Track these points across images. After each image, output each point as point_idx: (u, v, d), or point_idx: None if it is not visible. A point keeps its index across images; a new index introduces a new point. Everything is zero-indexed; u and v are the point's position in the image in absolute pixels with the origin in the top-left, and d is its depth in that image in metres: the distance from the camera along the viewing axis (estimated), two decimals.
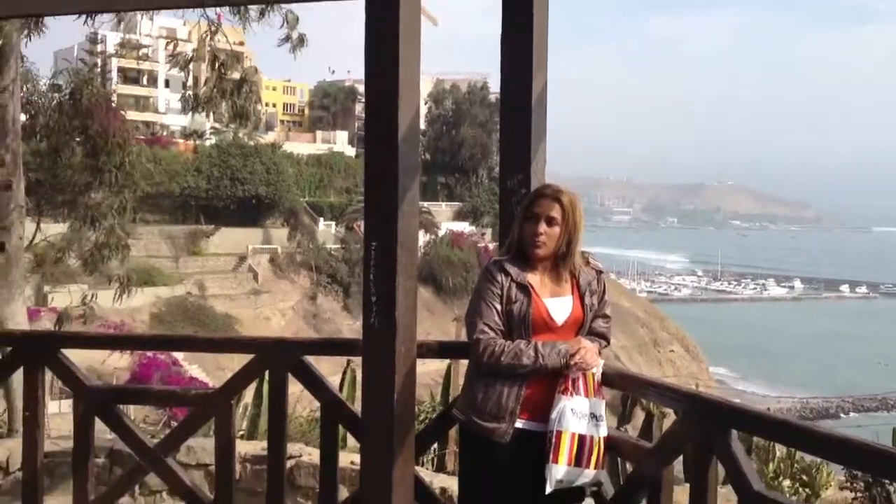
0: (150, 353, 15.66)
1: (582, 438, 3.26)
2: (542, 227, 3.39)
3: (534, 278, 3.43)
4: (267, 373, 4.27)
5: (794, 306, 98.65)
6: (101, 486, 4.54)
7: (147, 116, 64.18)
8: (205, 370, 29.62)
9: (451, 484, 4.88)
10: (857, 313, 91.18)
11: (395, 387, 3.48)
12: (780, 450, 7.51)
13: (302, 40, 9.79)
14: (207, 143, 56.36)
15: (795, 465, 7.31)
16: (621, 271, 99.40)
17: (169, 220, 51.89)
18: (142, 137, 40.53)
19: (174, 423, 8.17)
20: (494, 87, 76.40)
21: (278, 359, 4.18)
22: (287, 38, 9.71)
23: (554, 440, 3.24)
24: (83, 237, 10.09)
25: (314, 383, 4.21)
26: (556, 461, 3.23)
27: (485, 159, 71.46)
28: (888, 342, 68.32)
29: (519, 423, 3.33)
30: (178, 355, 20.73)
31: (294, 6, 9.58)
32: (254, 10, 9.15)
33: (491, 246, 61.31)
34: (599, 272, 3.58)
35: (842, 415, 52.07)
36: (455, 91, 72.74)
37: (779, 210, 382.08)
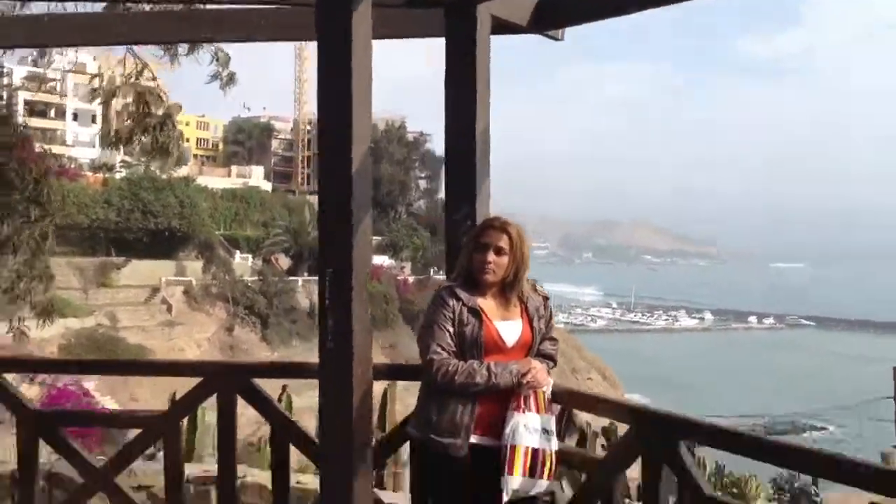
0: (59, 385, 15.23)
1: (535, 451, 3.44)
2: (491, 257, 3.60)
3: (484, 303, 3.63)
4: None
5: (705, 336, 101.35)
6: None
7: (55, 149, 62.54)
8: (118, 401, 28.84)
9: (398, 499, 4.97)
10: (766, 343, 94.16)
11: (352, 408, 3.58)
12: (709, 464, 7.83)
13: (232, 78, 9.81)
14: (118, 175, 55.26)
15: (726, 478, 7.64)
16: None
17: (77, 252, 50.43)
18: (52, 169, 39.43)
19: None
20: (412, 126, 77.49)
21: (227, 381, 4.22)
22: (216, 76, 9.72)
23: (508, 453, 3.42)
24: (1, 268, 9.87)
25: (264, 404, 4.28)
26: (511, 473, 3.41)
27: (403, 195, 72.11)
28: (796, 369, 70.91)
29: (473, 439, 3.50)
30: (89, 385, 20.21)
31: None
32: (183, 47, 9.17)
33: (410, 279, 61.54)
34: (546, 298, 3.82)
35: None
36: (373, 130, 72.95)
37: (686, 247, 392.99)
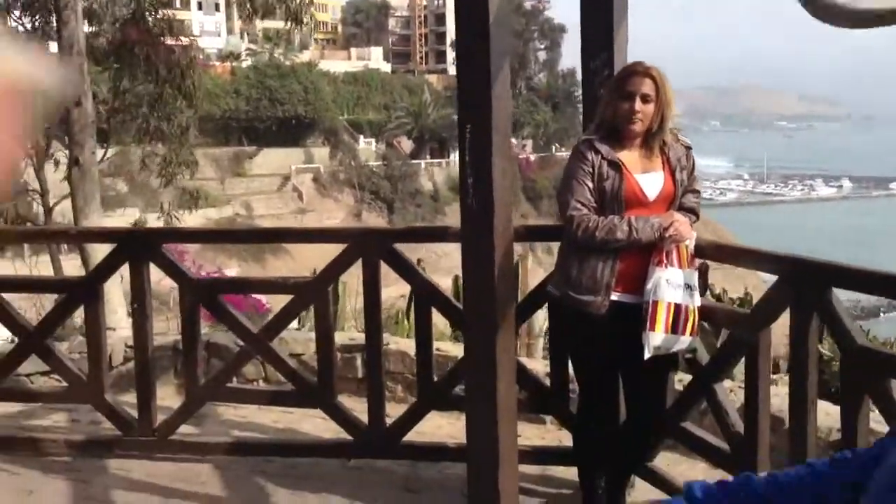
0: (203, 273, 16.12)
1: (678, 307, 3.38)
2: (638, 105, 3.43)
3: (624, 155, 3.50)
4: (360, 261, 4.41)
5: (843, 205, 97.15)
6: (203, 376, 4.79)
7: (183, 40, 63.99)
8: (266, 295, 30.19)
9: (535, 365, 5.06)
10: None
11: (495, 265, 3.59)
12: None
13: None
14: (244, 64, 56.28)
15: (871, 341, 7.41)
16: None
17: (212, 143, 52.20)
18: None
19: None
20: None
21: (370, 246, 4.33)
22: None
23: (650, 309, 3.37)
24: (151, 154, 10.39)
25: (406, 270, 4.36)
26: (653, 329, 3.37)
27: (522, 69, 70.23)
28: None
29: (614, 296, 3.45)
30: (230, 273, 21.09)
31: None
32: None
33: (532, 157, 60.96)
34: (689, 148, 3.66)
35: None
36: None
37: (824, 109, 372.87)
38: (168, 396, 5.13)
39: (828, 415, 3.97)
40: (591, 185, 3.47)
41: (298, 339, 5.59)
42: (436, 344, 5.67)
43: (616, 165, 3.47)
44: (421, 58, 79.84)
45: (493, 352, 3.62)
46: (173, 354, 5.46)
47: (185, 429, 4.61)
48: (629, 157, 3.51)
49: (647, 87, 3.44)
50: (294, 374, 4.46)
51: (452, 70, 77.55)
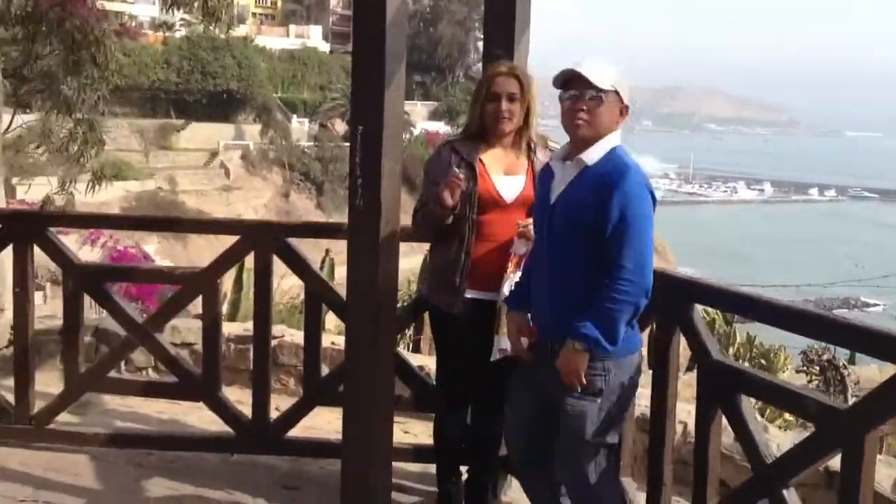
0: (120, 248, 15.77)
1: None
2: (505, 104, 3.51)
3: (488, 156, 3.57)
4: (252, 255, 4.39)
5: (763, 209, 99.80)
6: (88, 363, 4.71)
7: (115, 6, 62.18)
8: (177, 263, 29.70)
9: (427, 362, 5.10)
10: (825, 216, 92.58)
11: (378, 265, 3.61)
12: (740, 335, 7.88)
13: None
14: (177, 34, 55.00)
15: (754, 350, 7.70)
16: None
17: (138, 114, 51.04)
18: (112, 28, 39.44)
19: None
20: None
21: (263, 240, 4.31)
22: None
23: (499, 313, 3.45)
24: (57, 127, 10.02)
25: (299, 265, 4.35)
26: (497, 332, 3.45)
27: (462, 58, 70.28)
28: (854, 244, 69.76)
29: (470, 294, 3.53)
30: (150, 250, 20.77)
31: None
32: None
33: None
34: None
35: None
36: None
37: (753, 114, 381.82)
38: (52, 383, 5.01)
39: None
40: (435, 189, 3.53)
41: (192, 328, 5.52)
42: (333, 338, 5.69)
43: (472, 167, 3.52)
44: None
45: (373, 350, 3.63)
46: (61, 339, 5.34)
47: (64, 417, 4.52)
48: (493, 157, 3.57)
49: (512, 86, 3.53)
50: (178, 365, 4.41)
51: None
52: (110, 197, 41.00)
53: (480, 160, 3.55)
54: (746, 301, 3.07)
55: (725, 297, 3.15)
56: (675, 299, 3.21)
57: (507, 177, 3.55)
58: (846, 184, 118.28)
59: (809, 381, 6.52)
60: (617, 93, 3.00)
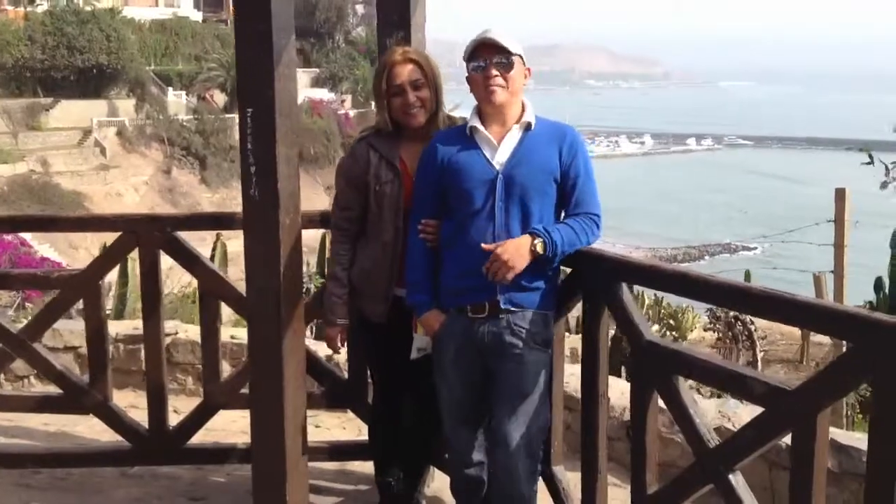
0: None
1: None
2: (412, 95, 3.24)
3: (406, 154, 3.30)
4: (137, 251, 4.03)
5: (645, 161, 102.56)
6: None
7: None
8: (57, 249, 28.31)
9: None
10: (702, 165, 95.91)
11: (280, 260, 3.34)
12: (648, 297, 7.90)
13: None
14: (39, 9, 52.15)
15: (662, 311, 7.73)
16: None
17: (3, 94, 48.30)
18: None
19: (29, 305, 7.77)
20: None
21: (149, 236, 3.95)
22: None
23: None
24: None
25: (189, 259, 4.02)
26: (415, 331, 3.27)
27: (340, 22, 68.92)
28: (731, 192, 72.65)
29: (397, 292, 3.31)
30: (27, 235, 19.61)
31: None
32: None
33: (352, 113, 60.32)
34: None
35: (696, 261, 54.95)
36: None
37: (631, 68, 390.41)
38: None
39: (623, 394, 4.00)
40: (356, 192, 3.32)
41: (75, 330, 5.11)
42: (231, 331, 5.37)
43: (395, 168, 3.27)
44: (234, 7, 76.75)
45: (279, 349, 3.38)
46: None
47: None
48: (413, 154, 3.28)
49: (413, 73, 3.26)
50: (62, 377, 4.03)
51: None
52: None
53: (402, 159, 3.28)
54: (677, 279, 2.93)
55: (654, 274, 2.99)
56: (601, 278, 3.05)
57: None
58: (721, 132, 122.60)
59: (718, 339, 6.58)
60: (521, 56, 3.07)
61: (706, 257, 54.41)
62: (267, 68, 3.23)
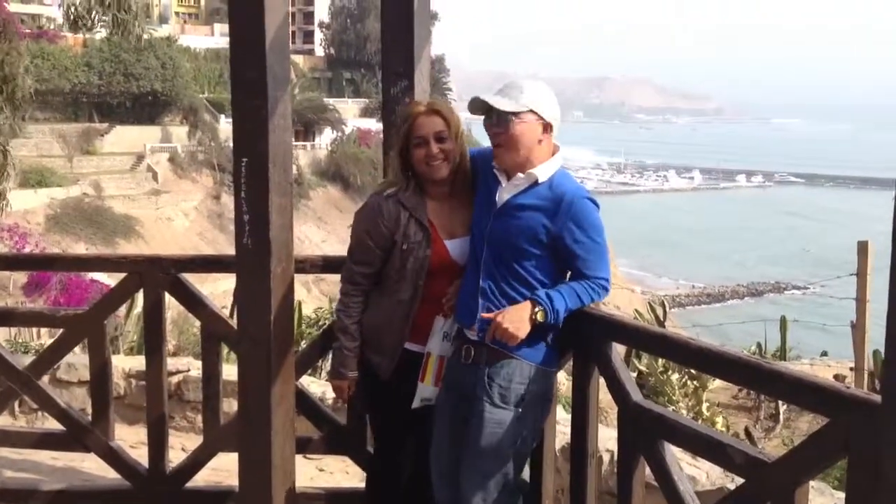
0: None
1: (441, 359, 3.21)
2: (435, 147, 3.10)
3: (434, 214, 3.18)
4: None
5: (694, 196, 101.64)
6: None
7: (31, 8, 60.26)
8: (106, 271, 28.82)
9: None
10: (751, 202, 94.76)
11: (271, 308, 3.35)
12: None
13: None
14: (97, 35, 53.54)
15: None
16: None
17: (60, 118, 49.56)
18: (27, 31, 38.16)
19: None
20: None
21: (152, 277, 4.00)
22: None
23: (424, 360, 3.21)
24: None
25: (191, 301, 4.06)
26: (422, 380, 3.21)
27: None
28: (782, 230, 71.78)
29: (408, 346, 3.24)
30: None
31: None
32: None
33: None
34: None
35: (727, 301, 54.12)
36: None
37: (682, 103, 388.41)
38: None
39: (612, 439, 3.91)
40: (380, 250, 3.17)
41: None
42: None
43: (424, 229, 3.13)
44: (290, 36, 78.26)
45: (266, 395, 3.39)
46: None
47: None
48: (440, 215, 3.18)
49: (437, 124, 3.12)
50: (65, 414, 4.08)
51: (320, 51, 76.35)
52: (35, 204, 39.80)
53: (430, 221, 3.16)
54: (661, 340, 2.88)
55: (642, 335, 2.96)
56: (592, 336, 3.01)
57: (455, 239, 3.18)
58: (772, 169, 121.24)
59: (740, 390, 6.42)
60: (534, 112, 2.94)
61: (750, 297, 53.71)
62: (262, 119, 3.27)
